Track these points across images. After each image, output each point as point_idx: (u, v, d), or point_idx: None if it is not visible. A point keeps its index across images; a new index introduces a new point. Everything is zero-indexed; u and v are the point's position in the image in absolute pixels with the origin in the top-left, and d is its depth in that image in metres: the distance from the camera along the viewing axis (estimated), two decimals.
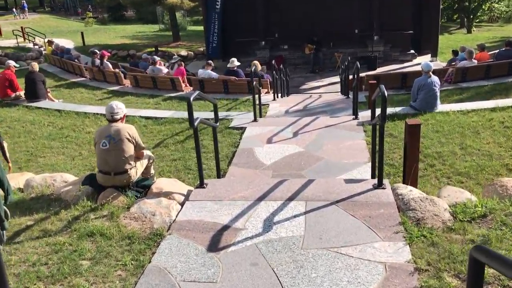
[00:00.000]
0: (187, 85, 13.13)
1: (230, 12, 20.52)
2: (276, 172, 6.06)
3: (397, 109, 8.42)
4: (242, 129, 7.95)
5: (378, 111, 4.59)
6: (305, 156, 6.51)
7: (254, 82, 8.43)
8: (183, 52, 25.10)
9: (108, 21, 46.18)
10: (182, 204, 4.40)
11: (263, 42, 20.64)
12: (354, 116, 8.16)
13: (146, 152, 5.13)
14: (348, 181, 4.71)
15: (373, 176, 5.10)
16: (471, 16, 32.81)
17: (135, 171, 4.79)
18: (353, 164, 6.12)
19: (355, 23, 20.12)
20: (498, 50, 13.86)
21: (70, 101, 11.98)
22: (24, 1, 46.70)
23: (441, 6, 21.01)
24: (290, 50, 20.79)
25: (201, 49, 25.04)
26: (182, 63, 13.94)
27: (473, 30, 32.92)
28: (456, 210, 3.90)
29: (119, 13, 49.50)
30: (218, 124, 5.48)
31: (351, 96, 11.18)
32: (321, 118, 8.42)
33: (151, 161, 5.17)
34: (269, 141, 7.24)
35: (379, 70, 18.51)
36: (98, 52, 14.74)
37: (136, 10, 48.87)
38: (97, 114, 9.35)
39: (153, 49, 24.25)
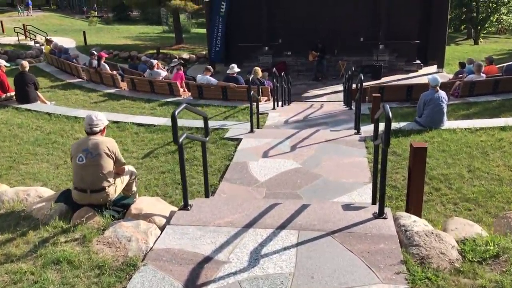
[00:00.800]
0: (186, 90, 12.77)
1: (234, 16, 20.17)
2: (270, 190, 5.65)
3: (402, 124, 8.01)
4: (237, 141, 7.55)
5: (382, 126, 4.20)
6: (302, 173, 6.11)
7: (252, 92, 8.02)
8: (185, 55, 24.73)
9: (113, 21, 45.95)
10: (162, 228, 4.00)
11: (267, 48, 20.27)
12: (356, 131, 7.75)
13: (128, 168, 4.73)
14: (346, 207, 4.30)
15: (373, 202, 4.69)
16: (479, 27, 32.38)
17: (114, 189, 4.39)
18: (353, 184, 5.72)
19: (360, 31, 19.72)
20: (507, 64, 13.45)
21: (63, 103, 11.60)
22: None
23: (448, 16, 20.58)
24: (294, 56, 20.42)
25: (204, 52, 24.67)
26: (182, 67, 13.56)
27: (480, 42, 32.49)
28: (465, 248, 3.49)
29: (124, 13, 49.34)
30: (208, 138, 5.08)
31: (353, 107, 10.79)
32: (321, 131, 8.02)
33: (133, 177, 4.77)
34: (265, 154, 6.84)
35: (384, 79, 18.10)
36: (95, 53, 14.37)
37: (141, 11, 48.70)
38: None
39: (155, 51, 23.92)
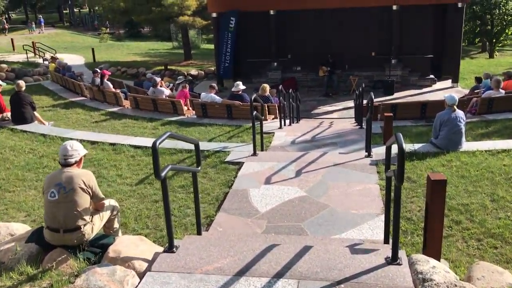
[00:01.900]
0: (190, 108, 12.34)
1: (242, 31, 19.83)
2: (271, 223, 5.11)
3: (416, 146, 7.43)
4: (239, 165, 7.03)
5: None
6: (307, 203, 5.56)
7: (255, 112, 7.53)
8: (193, 71, 24.43)
9: (124, 38, 46.09)
10: (142, 276, 3.48)
11: (275, 63, 19.86)
12: (366, 154, 7.19)
13: (109, 202, 4.23)
14: (354, 249, 3.74)
15: (386, 241, 4.13)
16: (494, 40, 31.67)
17: (91, 227, 3.89)
18: (363, 216, 5.16)
19: (372, 45, 19.24)
20: None
21: (63, 123, 11.23)
22: (41, 16, 46.96)
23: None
24: (303, 72, 19.96)
25: (213, 68, 24.31)
26: (187, 85, 13.14)
27: (496, 55, 31.76)
28: None
29: (135, 29, 49.53)
30: (200, 168, 4.57)
31: (365, 126, 10.24)
32: (329, 154, 7.47)
33: (114, 212, 4.26)
34: (268, 181, 6.31)
35: (397, 95, 17.55)
36: (98, 71, 14.04)
37: (152, 27, 48.87)
38: (84, 140, 8.52)
39: (163, 67, 23.65)
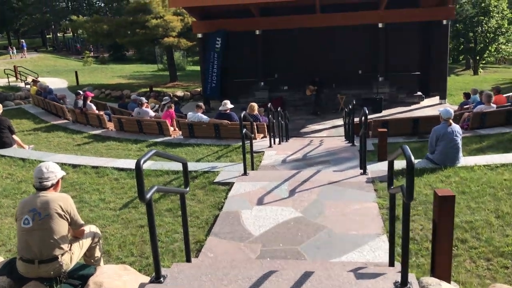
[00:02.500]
0: (176, 129, 12.01)
1: (228, 51, 19.70)
2: (266, 247, 4.77)
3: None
4: (229, 185, 6.70)
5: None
6: (303, 224, 5.24)
7: (244, 130, 7.23)
8: (179, 93, 24.15)
9: (109, 61, 45.79)
10: None
11: (262, 83, 19.70)
12: (362, 171, 6.91)
13: (89, 229, 3.87)
14: (359, 274, 3.43)
15: (391, 263, 3.82)
16: (478, 58, 32.02)
17: (69, 257, 3.52)
18: (364, 237, 4.84)
19: (359, 63, 19.22)
20: None
21: (44, 147, 10.83)
22: (23, 40, 46.57)
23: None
24: (291, 91, 19.82)
25: (199, 89, 24.08)
26: (172, 105, 12.83)
27: (480, 72, 32.08)
28: None
29: (119, 53, 49.30)
30: (188, 189, 4.23)
31: (356, 143, 10.00)
32: (322, 172, 7.18)
33: (96, 240, 3.90)
34: (260, 201, 5.98)
35: (385, 112, 17.43)
36: (81, 93, 13.67)
37: (137, 50, 48.68)
38: (65, 164, 8.14)
39: (148, 89, 23.34)
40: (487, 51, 31.51)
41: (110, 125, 12.60)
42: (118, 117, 12.38)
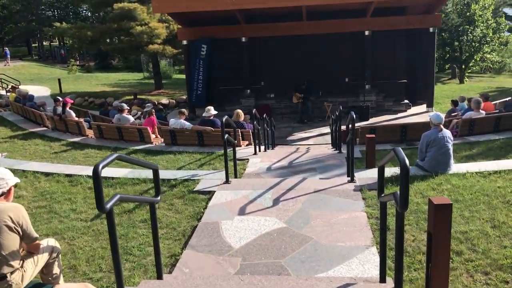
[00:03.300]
0: (158, 136, 11.61)
1: (214, 58, 19.38)
2: (246, 261, 4.40)
3: None
4: (209, 194, 6.32)
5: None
6: (287, 236, 4.88)
7: (227, 135, 6.88)
8: (164, 100, 23.75)
9: (94, 69, 45.23)
10: None
11: (249, 91, 19.37)
12: (349, 178, 6.58)
13: (47, 243, 3.47)
14: None
15: (382, 279, 3.48)
16: (463, 66, 32.11)
17: (21, 275, 3.11)
18: (352, 250, 4.49)
19: (346, 71, 18.98)
20: (507, 99, 12.59)
21: (20, 154, 10.35)
22: (7, 48, 45.85)
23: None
24: (277, 98, 19.51)
25: (184, 97, 23.73)
26: (153, 110, 12.43)
27: (466, 80, 32.15)
28: None
29: (105, 61, 48.76)
30: (159, 198, 3.85)
31: (343, 150, 9.69)
32: (308, 179, 6.84)
33: (54, 255, 3.49)
34: (242, 211, 5.62)
35: (372, 120, 17.19)
36: (60, 99, 13.20)
37: (123, 58, 48.19)
38: (38, 172, 7.70)
39: (132, 96, 22.90)
40: (473, 60, 31.60)
41: (90, 133, 12.15)
42: (98, 124, 11.94)
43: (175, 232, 5.21)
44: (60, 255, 3.60)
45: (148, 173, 7.28)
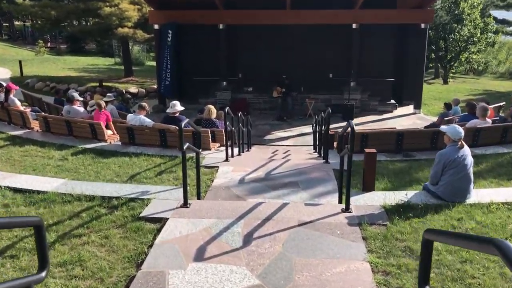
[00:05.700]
0: (115, 133, 9.98)
1: (188, 47, 17.74)
2: None
3: (408, 194, 5.46)
4: (160, 223, 4.79)
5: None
6: None
7: (187, 144, 5.34)
8: (133, 89, 21.95)
9: (66, 52, 42.79)
10: None
11: (225, 83, 17.80)
12: (343, 207, 5.11)
13: None
14: None
15: None
16: (448, 66, 31.09)
17: None
18: None
19: (330, 66, 17.57)
20: None
21: None
22: None
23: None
24: (255, 93, 17.98)
25: (155, 86, 22.01)
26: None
27: (450, 81, 31.16)
28: None
29: (78, 44, 46.29)
30: (44, 274, 2.29)
31: (330, 160, 8.26)
32: (291, 205, 5.31)
33: None
34: (200, 255, 4.10)
35: (356, 120, 15.80)
36: (4, 85, 11.36)
37: (97, 43, 45.83)
38: None
39: (97, 83, 21.03)
40: (458, 61, 30.57)
41: (36, 125, 10.42)
42: (44, 115, 10.22)
43: (102, 286, 3.67)
44: None
45: (85, 187, 5.70)
